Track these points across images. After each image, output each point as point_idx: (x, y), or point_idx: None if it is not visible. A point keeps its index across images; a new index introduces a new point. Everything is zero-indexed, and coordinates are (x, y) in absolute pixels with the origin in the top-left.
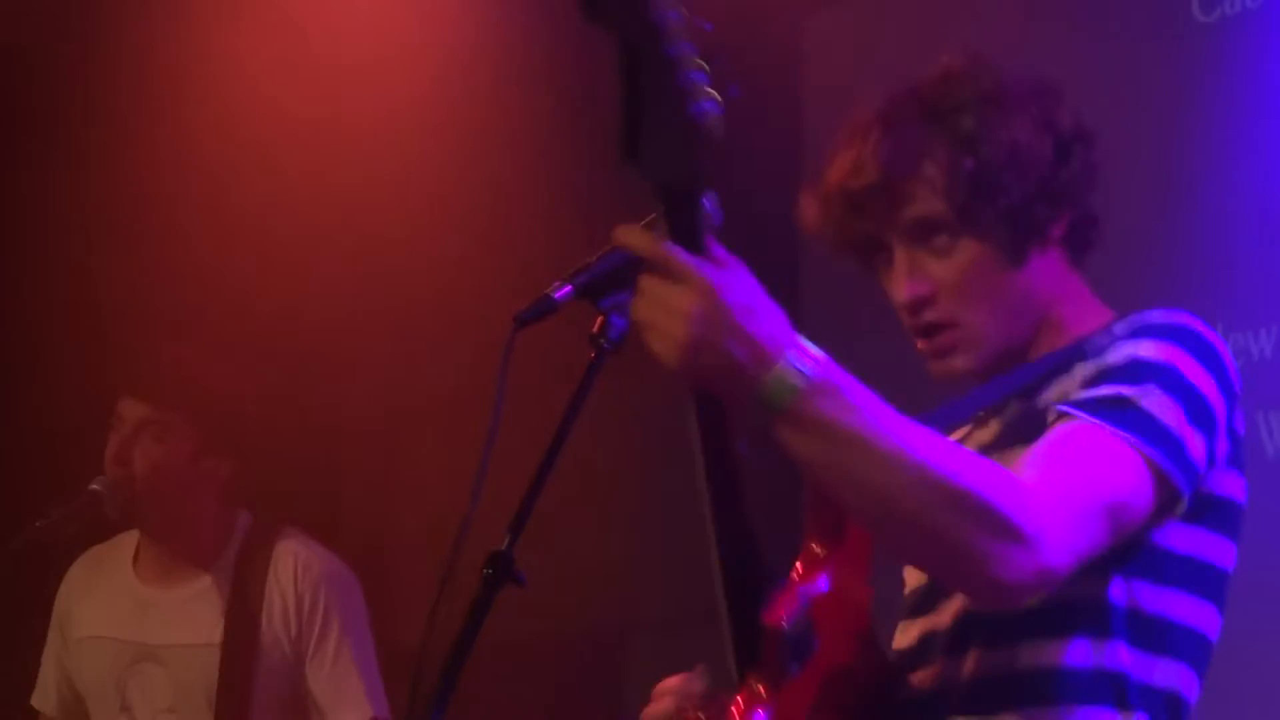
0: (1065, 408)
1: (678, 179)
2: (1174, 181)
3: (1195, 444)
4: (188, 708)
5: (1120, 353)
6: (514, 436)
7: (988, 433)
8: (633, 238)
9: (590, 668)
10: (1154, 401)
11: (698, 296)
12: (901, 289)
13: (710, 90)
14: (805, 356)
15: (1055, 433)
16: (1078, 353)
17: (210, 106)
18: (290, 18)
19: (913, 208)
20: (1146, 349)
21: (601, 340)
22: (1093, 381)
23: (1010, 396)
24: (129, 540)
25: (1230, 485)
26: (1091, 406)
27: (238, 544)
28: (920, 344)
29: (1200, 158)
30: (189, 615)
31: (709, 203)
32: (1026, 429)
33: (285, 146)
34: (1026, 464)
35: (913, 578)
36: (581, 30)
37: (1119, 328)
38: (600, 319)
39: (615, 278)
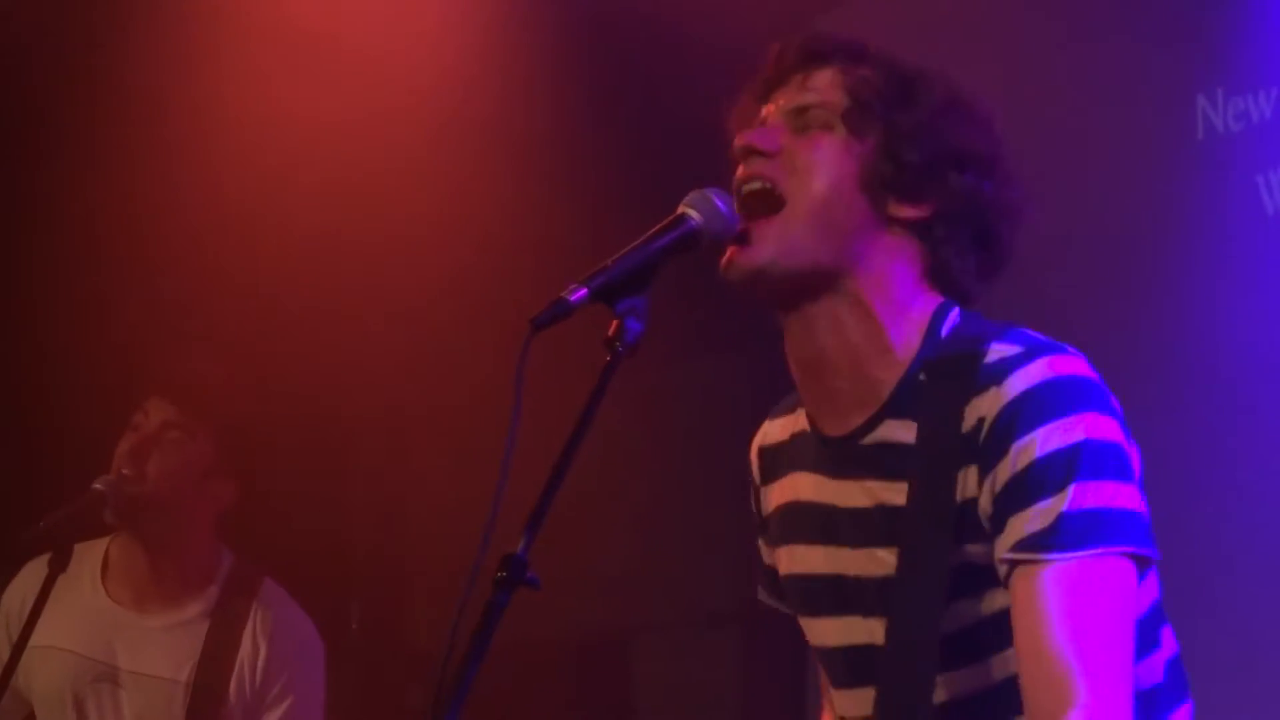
0: (1022, 555)
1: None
2: None
3: (1137, 502)
4: None
5: (1024, 454)
6: (527, 440)
7: (868, 498)
8: None
9: (597, 671)
10: (1092, 495)
11: None
12: (749, 136)
13: None
14: None
15: (1036, 598)
16: (947, 423)
17: (222, 111)
18: (300, 22)
19: (810, 95)
20: (1049, 440)
21: (617, 344)
22: (1015, 497)
23: (865, 457)
24: (91, 551)
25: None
26: (1048, 544)
27: (221, 582)
28: (729, 243)
29: None
30: (161, 646)
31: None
32: (951, 533)
33: (294, 151)
34: (1052, 658)
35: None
36: (591, 34)
37: (982, 407)
38: (615, 322)
39: (630, 281)
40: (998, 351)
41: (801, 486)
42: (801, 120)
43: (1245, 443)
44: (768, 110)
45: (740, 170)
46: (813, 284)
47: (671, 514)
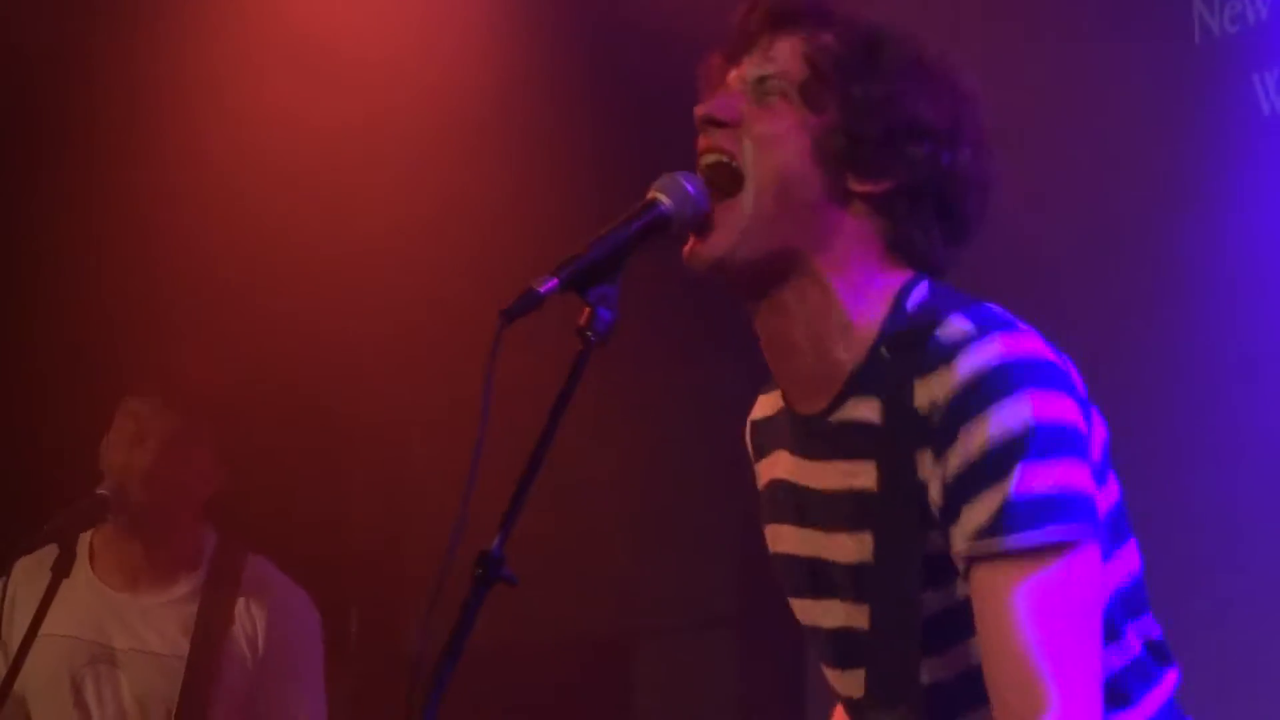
0: (978, 550)
1: None
2: None
3: (1089, 483)
4: (142, 714)
5: (972, 439)
6: (512, 434)
7: (839, 479)
8: None
9: (596, 675)
10: (1041, 478)
11: None
12: (709, 105)
13: None
14: None
15: (1003, 605)
16: (903, 403)
17: (214, 111)
18: (292, 22)
19: (769, 65)
20: (996, 423)
21: (588, 333)
22: (965, 486)
23: (833, 434)
24: (82, 547)
25: (1108, 496)
26: (999, 532)
27: (207, 561)
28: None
29: None
30: (155, 623)
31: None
32: (914, 518)
33: (286, 151)
34: (1022, 665)
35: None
36: (578, 34)
37: (933, 388)
38: (586, 311)
39: (601, 269)
40: (951, 327)
41: (781, 464)
42: (760, 89)
43: (1247, 343)
44: (732, 76)
45: (700, 140)
46: (774, 269)
47: (671, 516)
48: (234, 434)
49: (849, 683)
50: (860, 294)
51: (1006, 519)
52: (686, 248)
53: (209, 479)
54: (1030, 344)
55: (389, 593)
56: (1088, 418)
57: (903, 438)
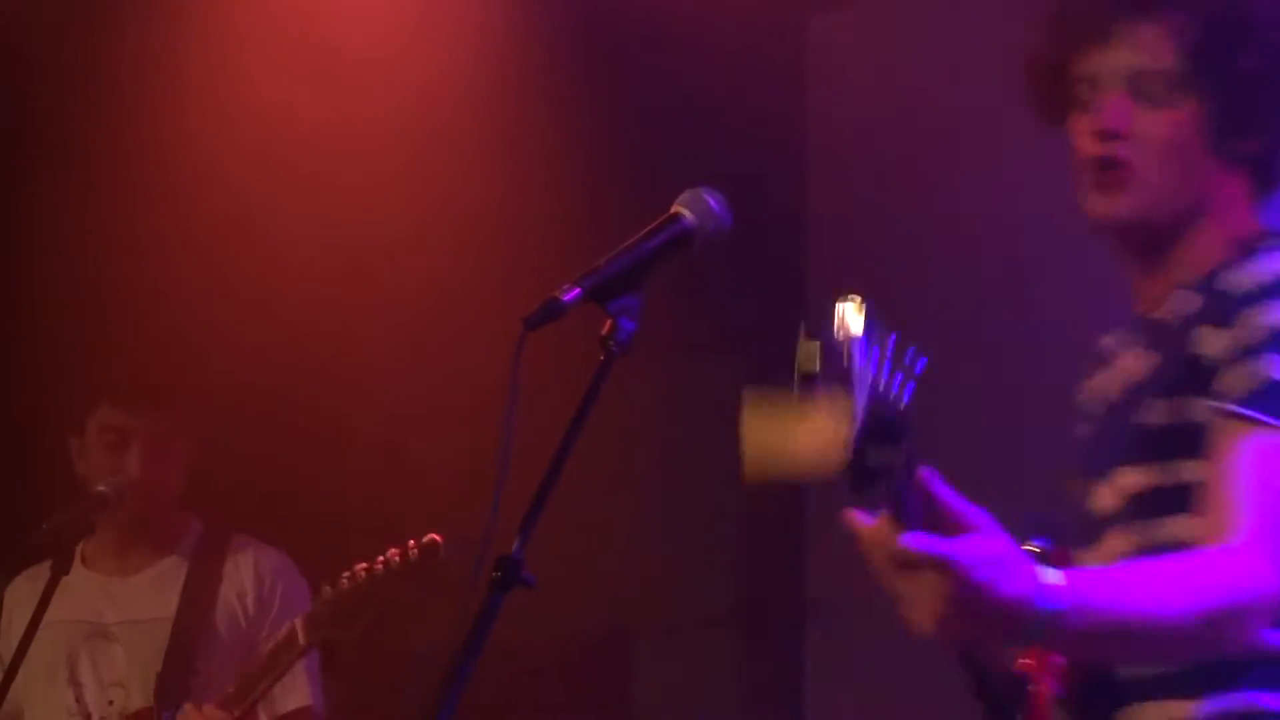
0: (1226, 407)
1: (901, 469)
2: None
3: None
4: (138, 681)
5: (1254, 323)
6: (524, 439)
7: (1138, 364)
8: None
9: (596, 672)
10: None
11: (947, 582)
12: (1101, 117)
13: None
14: (1050, 595)
15: (1235, 455)
16: (1213, 294)
17: (211, 109)
18: (292, 20)
19: (1142, 55)
20: (1266, 317)
21: (610, 343)
22: (1235, 358)
23: (1153, 327)
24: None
25: None
26: (1251, 401)
27: (194, 538)
28: (1089, 178)
29: None
30: (146, 594)
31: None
32: (1177, 380)
33: (288, 149)
34: (1232, 504)
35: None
36: (586, 35)
37: (1239, 276)
38: (609, 322)
39: (623, 281)
40: (1269, 240)
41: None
42: (1139, 87)
43: None
44: (1090, 65)
45: (1089, 147)
46: (1166, 228)
47: (670, 514)
48: (209, 425)
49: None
50: (1226, 230)
51: (1257, 394)
52: (1090, 207)
53: (185, 469)
54: None
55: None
56: None
57: (1189, 319)
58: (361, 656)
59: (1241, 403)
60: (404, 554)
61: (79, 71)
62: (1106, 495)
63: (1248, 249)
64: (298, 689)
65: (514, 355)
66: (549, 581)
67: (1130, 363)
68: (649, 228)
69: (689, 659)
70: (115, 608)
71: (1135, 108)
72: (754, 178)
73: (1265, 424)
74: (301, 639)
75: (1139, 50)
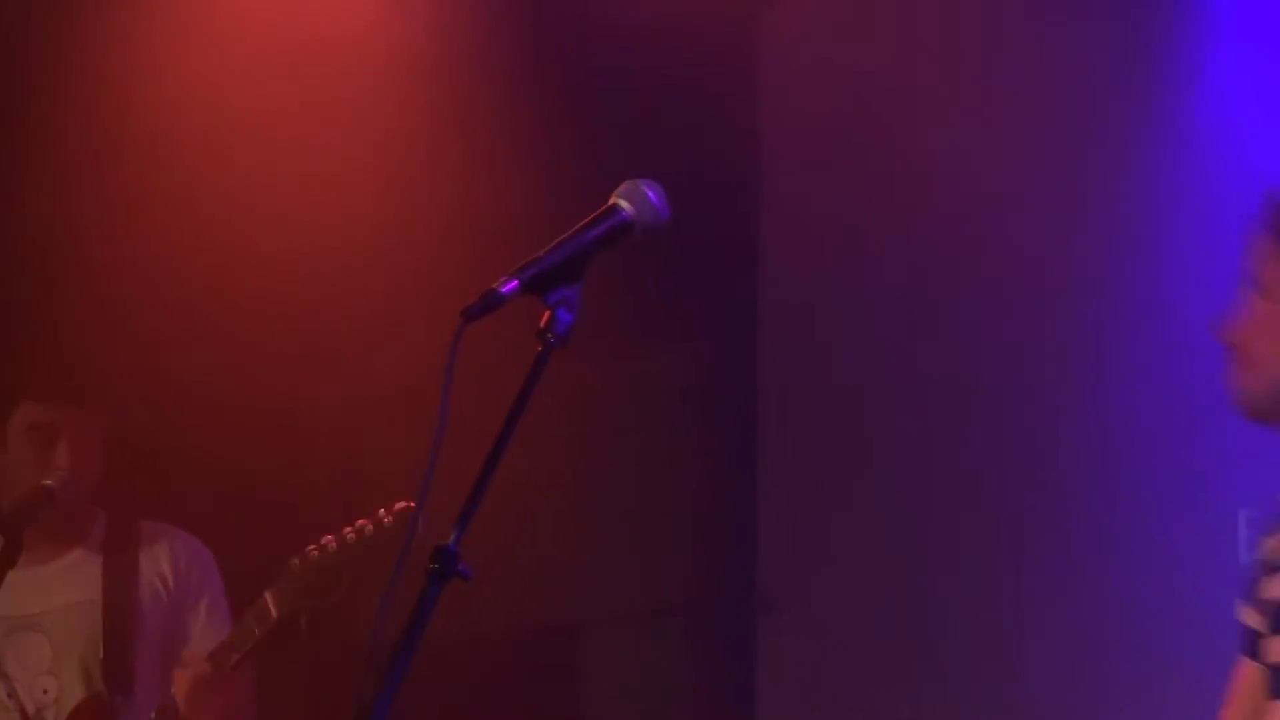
0: None
1: None
2: None
3: None
4: (66, 667)
5: None
6: (469, 430)
7: None
8: None
9: (545, 663)
10: None
11: None
12: (1226, 316)
13: None
14: None
15: None
16: None
17: (158, 96)
18: (242, 7)
19: (1259, 264)
20: None
21: (548, 335)
22: None
23: None
24: None
25: None
26: None
27: (102, 528)
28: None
29: None
30: (62, 581)
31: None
32: None
33: (239, 137)
34: None
35: None
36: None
37: None
38: (547, 314)
39: (561, 272)
40: None
41: None
42: (1256, 281)
43: None
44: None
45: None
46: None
47: (620, 504)
48: (121, 418)
49: None
50: None
51: None
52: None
53: (102, 463)
54: None
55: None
56: None
57: None
58: (313, 649)
59: None
60: (377, 522)
61: (21, 57)
62: None
63: None
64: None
65: (451, 347)
66: (499, 572)
67: None
68: (587, 219)
69: (639, 649)
70: (34, 597)
71: (1254, 297)
72: (707, 168)
73: None
74: (273, 611)
75: (1261, 260)
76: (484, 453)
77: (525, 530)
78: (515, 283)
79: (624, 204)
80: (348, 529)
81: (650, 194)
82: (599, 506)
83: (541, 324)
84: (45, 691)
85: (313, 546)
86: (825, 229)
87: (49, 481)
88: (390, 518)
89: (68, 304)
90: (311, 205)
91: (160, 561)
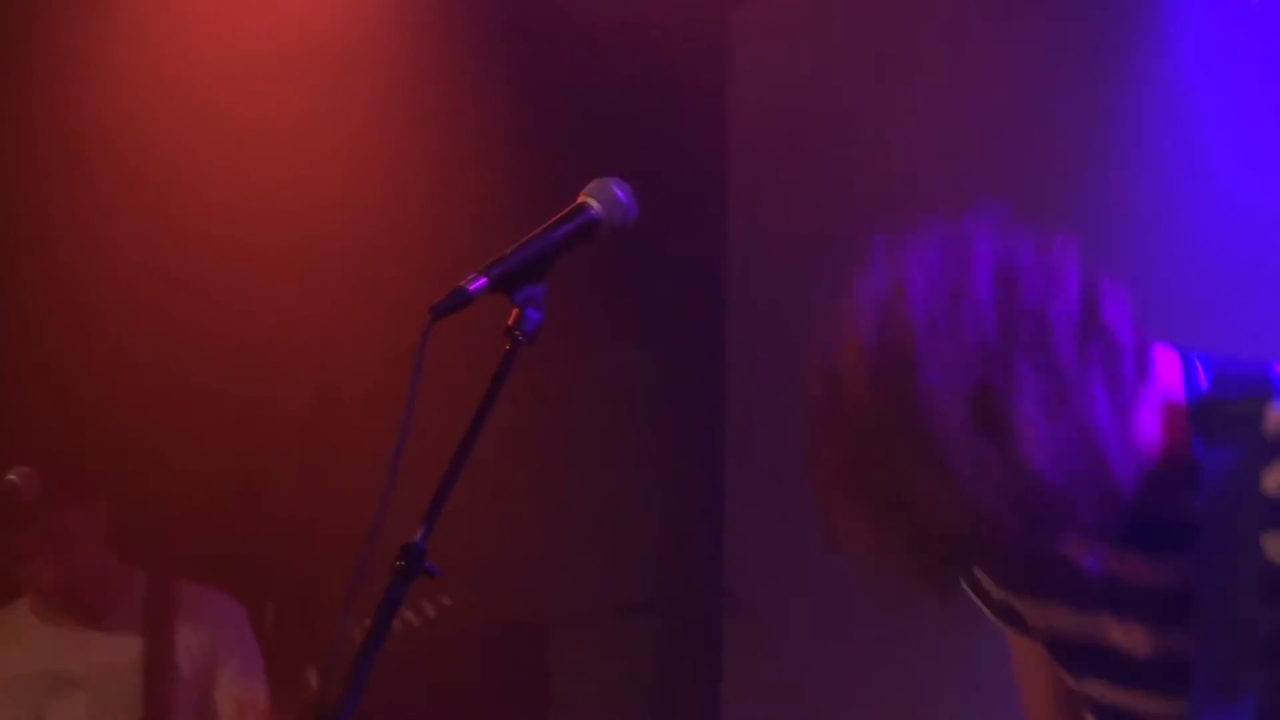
0: None
1: None
2: None
3: None
4: None
5: None
6: (437, 427)
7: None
8: None
9: (513, 660)
10: None
11: None
12: None
13: None
14: None
15: None
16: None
17: (124, 96)
18: (208, 7)
19: None
20: None
21: (516, 333)
22: None
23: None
24: (19, 606)
25: None
26: None
27: (140, 592)
28: None
29: None
30: (105, 642)
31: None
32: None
33: (205, 134)
34: None
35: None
36: (506, 22)
37: None
38: (515, 311)
39: (529, 270)
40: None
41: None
42: None
43: None
44: None
45: None
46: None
47: (588, 502)
48: (113, 475)
49: None
50: (1164, 389)
51: None
52: None
53: (98, 521)
54: None
55: (306, 584)
56: None
57: (1240, 520)
58: (279, 647)
59: None
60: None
61: None
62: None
63: (1218, 409)
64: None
65: (419, 344)
66: (467, 567)
67: (1129, 559)
68: (555, 217)
69: (607, 648)
70: (76, 654)
71: None
72: (675, 167)
73: None
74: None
75: None
76: (452, 450)
77: (493, 529)
78: (483, 280)
79: (592, 202)
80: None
81: (619, 192)
82: (566, 505)
83: (509, 322)
84: None
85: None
86: (793, 229)
87: (12, 476)
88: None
89: (33, 305)
90: (280, 202)
91: (198, 625)
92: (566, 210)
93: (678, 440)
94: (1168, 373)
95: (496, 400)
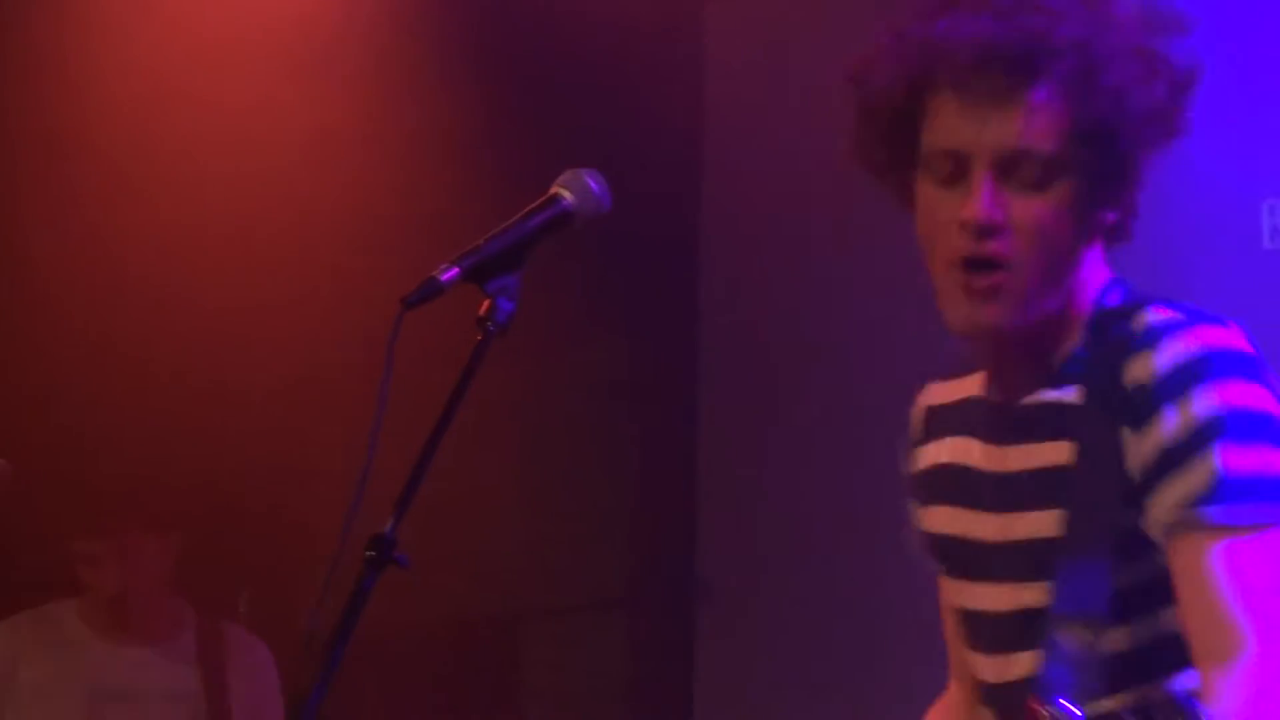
0: (1182, 520)
1: None
2: None
3: None
4: None
5: (1176, 420)
6: (409, 417)
7: (1029, 457)
8: None
9: (484, 655)
10: (1247, 460)
11: None
12: (977, 207)
13: None
14: None
15: (1209, 570)
16: (1114, 386)
17: (91, 92)
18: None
19: (1025, 134)
20: (1195, 407)
21: (488, 323)
22: (1167, 462)
23: (1025, 416)
24: (64, 608)
25: None
26: (1207, 508)
27: (193, 623)
28: (961, 279)
29: None
30: (160, 666)
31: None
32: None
33: (175, 128)
34: (1225, 624)
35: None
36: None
37: (1141, 366)
38: (487, 302)
39: (502, 261)
40: (1157, 315)
41: (959, 449)
42: (1016, 172)
43: None
44: (958, 135)
45: (961, 243)
46: (1042, 320)
47: (560, 497)
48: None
49: (1007, 666)
50: (1085, 296)
51: (1210, 494)
52: (956, 313)
53: (171, 550)
54: (1233, 338)
55: (279, 573)
56: None
57: (1106, 415)
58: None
59: (1189, 508)
60: None
61: None
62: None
63: (1112, 318)
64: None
65: (390, 335)
66: (438, 561)
67: (1007, 457)
68: (528, 208)
69: (579, 640)
70: (136, 673)
71: (1009, 194)
72: (650, 160)
73: (1220, 527)
74: None
75: (1021, 127)
76: (422, 440)
77: (465, 522)
78: (455, 270)
79: (565, 193)
80: None
81: (592, 183)
82: (539, 498)
83: (481, 312)
84: None
85: None
86: (767, 222)
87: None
88: None
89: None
90: (253, 192)
91: (245, 670)
92: (539, 201)
93: (650, 433)
94: (1092, 281)
95: (468, 390)
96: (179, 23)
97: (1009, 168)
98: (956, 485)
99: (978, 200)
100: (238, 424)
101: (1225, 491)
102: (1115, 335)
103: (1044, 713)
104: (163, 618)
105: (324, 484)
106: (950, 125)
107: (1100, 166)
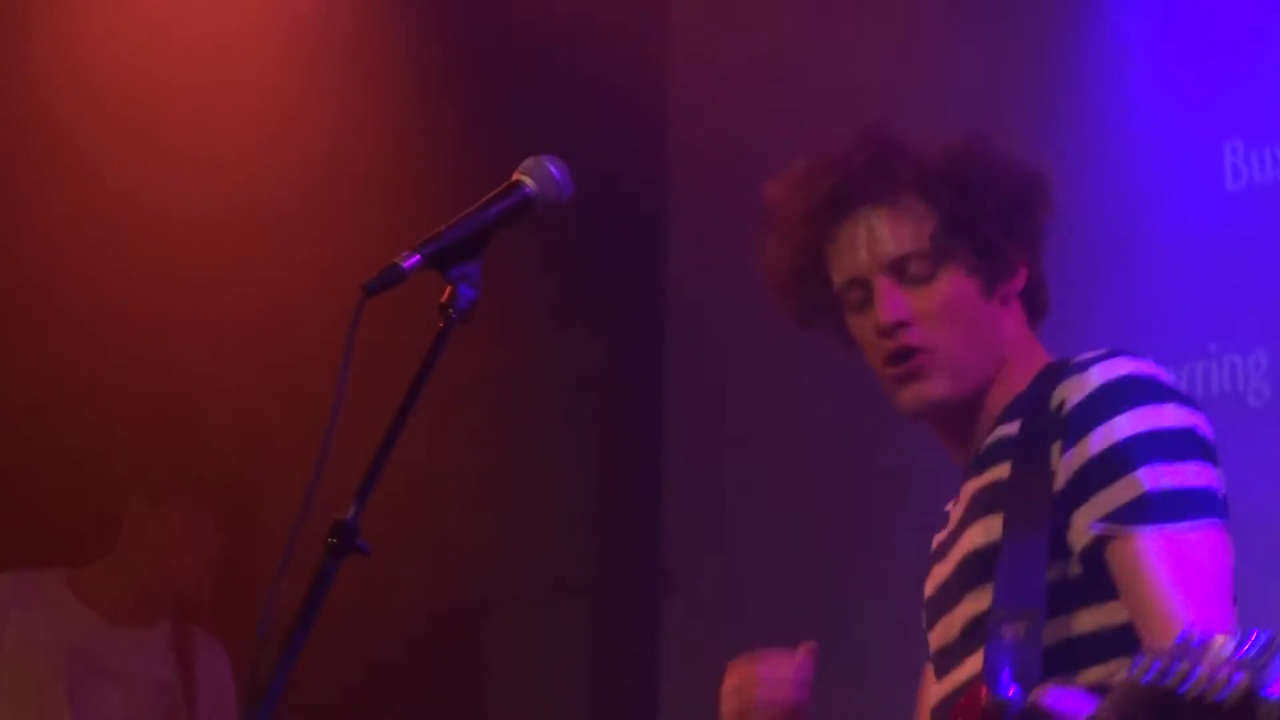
0: (1113, 529)
1: None
2: None
3: (1213, 480)
4: None
5: (1103, 438)
6: (371, 405)
7: (967, 491)
8: None
9: (448, 642)
10: (1173, 475)
11: None
12: (881, 313)
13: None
14: None
15: (1146, 567)
16: (1045, 412)
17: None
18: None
19: (900, 241)
20: (1129, 425)
21: (450, 310)
22: (1096, 477)
23: (982, 458)
24: (52, 576)
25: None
26: (1136, 518)
27: (168, 622)
28: (891, 371)
29: None
30: (144, 651)
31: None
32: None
33: (143, 119)
34: (1163, 612)
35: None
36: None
37: (1067, 390)
38: (448, 289)
39: (463, 247)
40: (1085, 353)
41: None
42: (908, 272)
43: None
44: (850, 266)
45: (883, 346)
46: (975, 392)
47: (524, 484)
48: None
49: (960, 674)
50: (1024, 365)
51: (1145, 509)
52: (897, 392)
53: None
54: (1156, 369)
55: (241, 559)
56: (1207, 435)
57: (1038, 435)
58: (214, 624)
59: (1120, 521)
60: None
61: None
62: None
63: (1052, 372)
64: None
65: (351, 322)
66: (402, 548)
67: (964, 493)
68: (490, 195)
69: (543, 629)
70: (119, 653)
71: (906, 291)
72: (616, 152)
73: (1153, 532)
74: None
75: (892, 235)
76: (384, 427)
77: (430, 510)
78: (417, 257)
79: (527, 180)
80: None
81: (554, 170)
82: (504, 487)
83: (443, 299)
84: None
85: None
86: (733, 215)
87: None
88: None
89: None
90: (214, 181)
91: (207, 670)
92: (501, 188)
93: (615, 422)
94: (1025, 346)
95: (430, 377)
96: (143, 13)
97: (899, 272)
98: (938, 550)
99: (880, 308)
100: (199, 411)
101: (1154, 506)
102: (1050, 373)
103: (984, 697)
104: (166, 602)
105: (290, 471)
106: (844, 262)
107: (975, 249)
